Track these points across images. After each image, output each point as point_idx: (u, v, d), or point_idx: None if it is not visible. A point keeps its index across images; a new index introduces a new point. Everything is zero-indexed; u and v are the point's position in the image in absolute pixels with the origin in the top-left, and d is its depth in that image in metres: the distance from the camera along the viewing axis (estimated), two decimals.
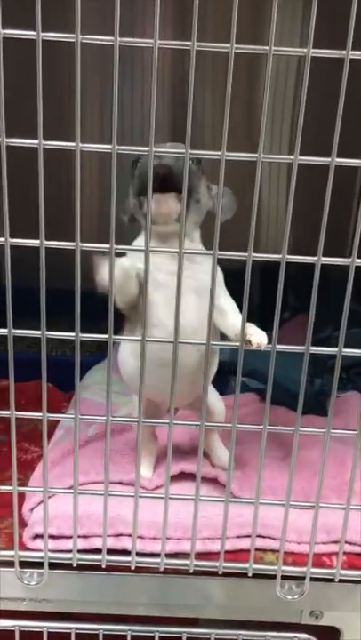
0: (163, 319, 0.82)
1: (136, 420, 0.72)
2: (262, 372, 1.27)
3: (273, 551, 0.84)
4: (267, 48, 0.58)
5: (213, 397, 0.97)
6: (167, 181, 0.78)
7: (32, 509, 0.88)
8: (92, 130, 1.70)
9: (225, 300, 0.84)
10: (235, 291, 0.83)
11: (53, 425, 1.20)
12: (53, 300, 0.70)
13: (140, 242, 0.86)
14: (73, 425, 0.72)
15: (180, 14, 1.52)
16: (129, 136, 1.67)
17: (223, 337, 0.85)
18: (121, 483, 0.93)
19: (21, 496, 0.87)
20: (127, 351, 0.91)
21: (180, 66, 1.57)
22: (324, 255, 0.65)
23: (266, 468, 0.95)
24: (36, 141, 0.60)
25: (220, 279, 0.86)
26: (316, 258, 0.65)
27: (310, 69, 0.59)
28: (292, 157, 0.62)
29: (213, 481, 0.93)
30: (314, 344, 0.70)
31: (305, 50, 0.58)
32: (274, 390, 0.72)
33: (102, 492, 0.75)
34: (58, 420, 1.21)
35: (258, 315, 1.83)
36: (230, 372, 1.32)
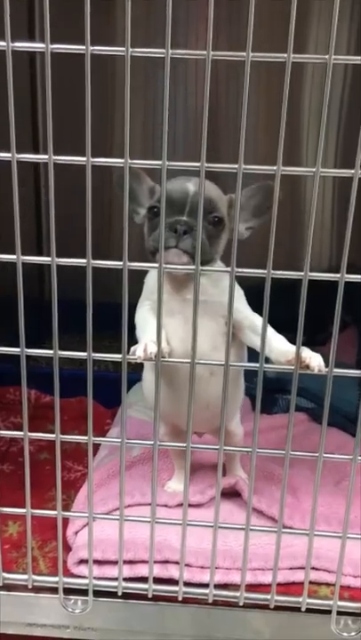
0: (172, 344, 0.80)
1: (184, 445, 0.69)
2: (312, 391, 1.22)
3: (328, 585, 0.79)
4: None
5: (234, 422, 0.94)
6: (177, 232, 0.76)
7: (76, 532, 0.86)
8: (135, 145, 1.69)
9: (257, 321, 0.80)
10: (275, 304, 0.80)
11: (97, 443, 1.19)
12: (93, 312, 0.67)
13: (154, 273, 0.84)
14: (117, 445, 0.70)
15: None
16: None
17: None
18: (167, 506, 0.91)
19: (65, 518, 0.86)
20: (148, 376, 0.90)
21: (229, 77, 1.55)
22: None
23: (319, 493, 0.92)
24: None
25: (242, 298, 0.83)
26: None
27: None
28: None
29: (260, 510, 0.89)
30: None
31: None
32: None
33: (149, 519, 0.73)
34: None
35: (305, 328, 1.78)
36: (278, 390, 1.29)
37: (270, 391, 1.30)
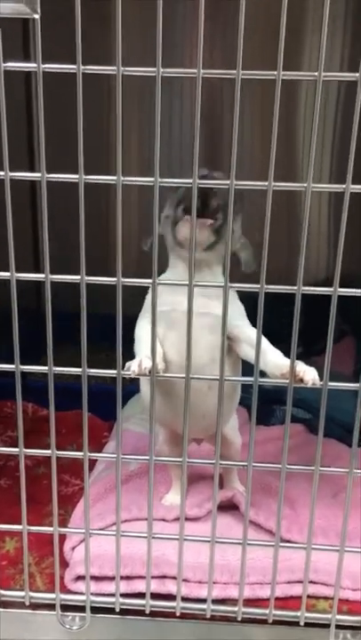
0: (170, 356, 0.81)
1: (180, 460, 0.69)
2: (309, 402, 1.22)
3: (326, 598, 0.79)
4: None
5: (232, 430, 0.95)
6: (207, 206, 0.76)
7: (73, 548, 0.85)
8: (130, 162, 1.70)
9: (254, 335, 0.80)
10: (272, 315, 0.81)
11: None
12: (90, 323, 0.68)
13: (168, 276, 0.85)
14: (114, 459, 0.70)
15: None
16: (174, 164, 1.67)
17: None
18: (164, 520, 0.90)
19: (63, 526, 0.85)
20: (145, 388, 0.90)
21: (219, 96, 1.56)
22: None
23: (316, 505, 0.91)
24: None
25: (241, 312, 0.83)
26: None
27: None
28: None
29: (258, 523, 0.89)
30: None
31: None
32: (324, 422, 0.69)
33: (145, 535, 0.72)
34: (98, 452, 1.19)
35: (302, 338, 1.77)
36: (275, 401, 1.29)
37: (267, 402, 1.29)
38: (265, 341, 0.80)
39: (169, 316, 0.79)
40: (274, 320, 0.71)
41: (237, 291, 0.74)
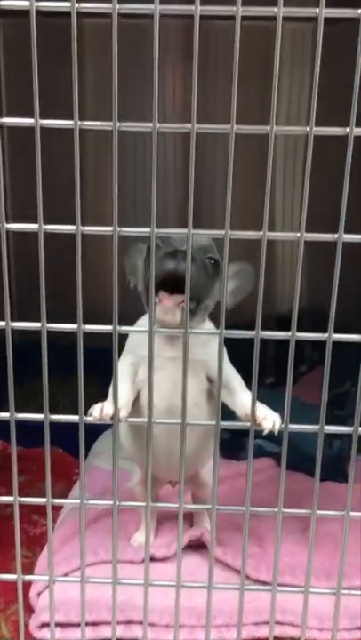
0: (154, 400, 0.80)
1: (144, 504, 0.69)
2: (279, 435, 1.23)
3: (292, 639, 0.79)
4: (268, 128, 0.56)
5: (207, 472, 0.95)
6: (177, 287, 0.76)
7: (39, 594, 0.84)
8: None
9: (231, 376, 0.82)
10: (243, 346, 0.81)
11: (63, 494, 1.17)
12: (68, 356, 0.69)
13: (143, 322, 0.85)
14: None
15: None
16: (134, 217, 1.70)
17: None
18: (132, 562, 0.90)
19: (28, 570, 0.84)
20: (122, 427, 0.89)
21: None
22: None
23: (284, 543, 0.91)
24: (36, 226, 0.60)
25: (224, 355, 0.84)
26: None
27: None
28: (297, 234, 0.60)
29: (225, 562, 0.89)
30: (331, 400, 0.68)
31: (307, 128, 0.57)
32: (291, 455, 0.70)
33: (110, 581, 0.72)
34: (68, 489, 1.18)
35: (273, 368, 1.79)
36: (245, 434, 1.29)
37: (238, 436, 1.30)
38: (237, 382, 0.82)
39: (154, 359, 0.79)
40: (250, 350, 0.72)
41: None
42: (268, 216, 0.60)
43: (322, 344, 0.67)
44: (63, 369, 0.91)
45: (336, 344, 0.64)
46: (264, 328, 0.67)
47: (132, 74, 1.24)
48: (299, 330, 0.64)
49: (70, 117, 0.57)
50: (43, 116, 0.57)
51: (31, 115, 0.57)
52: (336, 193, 0.58)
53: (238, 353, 0.86)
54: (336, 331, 0.64)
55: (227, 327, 0.64)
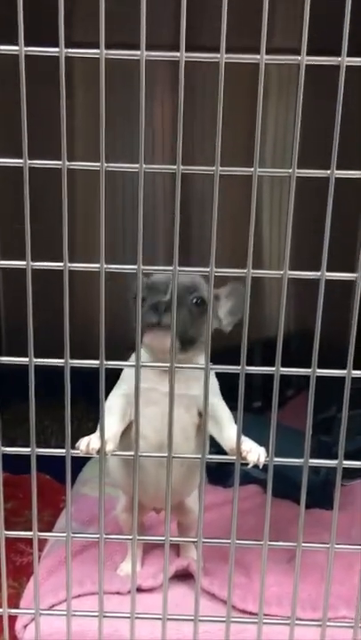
0: (145, 432, 0.82)
1: (130, 537, 0.69)
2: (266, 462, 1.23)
3: None
4: (252, 170, 0.58)
5: (193, 499, 0.95)
6: (164, 316, 0.78)
7: (25, 626, 0.83)
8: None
9: (221, 411, 0.83)
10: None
11: (50, 522, 1.17)
12: (56, 380, 0.68)
13: (142, 355, 0.86)
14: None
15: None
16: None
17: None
18: (119, 593, 0.89)
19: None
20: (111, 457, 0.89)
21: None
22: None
23: (271, 572, 0.91)
24: (24, 263, 0.61)
25: (215, 389, 0.85)
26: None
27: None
28: (281, 272, 0.61)
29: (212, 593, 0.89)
30: (317, 425, 0.69)
31: (289, 170, 0.58)
32: (278, 482, 0.71)
33: (96, 614, 0.72)
34: (55, 516, 1.18)
35: (261, 392, 1.79)
36: (232, 463, 1.30)
37: (224, 463, 1.30)
38: (226, 416, 0.83)
39: (147, 393, 0.80)
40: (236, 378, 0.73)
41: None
42: (256, 246, 0.61)
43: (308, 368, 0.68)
44: (51, 393, 0.91)
45: (323, 365, 0.65)
46: (252, 352, 0.68)
47: (121, 109, 1.27)
48: (286, 353, 0.65)
49: (58, 154, 0.58)
50: (30, 153, 0.58)
51: (18, 151, 0.58)
52: (321, 230, 0.60)
53: (226, 380, 0.87)
54: (325, 353, 0.65)
55: (215, 351, 0.65)
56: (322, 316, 0.62)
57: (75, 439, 0.99)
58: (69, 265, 0.61)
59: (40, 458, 0.67)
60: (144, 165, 0.58)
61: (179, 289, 0.77)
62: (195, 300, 0.82)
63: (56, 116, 0.57)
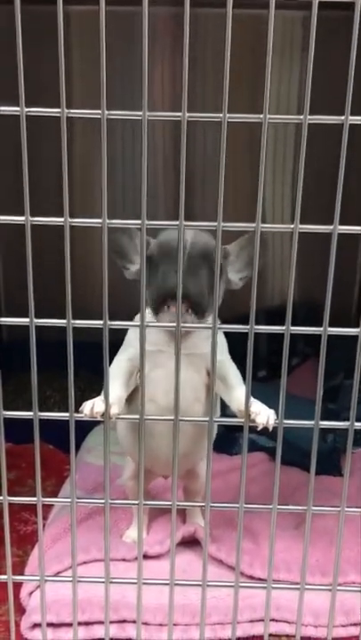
0: (154, 396, 0.80)
1: (136, 502, 0.68)
2: (273, 429, 1.22)
3: (288, 636, 0.78)
4: (261, 116, 0.55)
5: (202, 466, 0.93)
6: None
7: (30, 593, 0.83)
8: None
9: (230, 371, 0.81)
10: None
11: (54, 491, 1.16)
12: (57, 351, 0.67)
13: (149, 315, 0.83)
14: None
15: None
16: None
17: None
18: (125, 560, 0.88)
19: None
20: (121, 421, 0.88)
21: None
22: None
23: (279, 538, 0.90)
24: (22, 218, 0.58)
25: (224, 348, 0.82)
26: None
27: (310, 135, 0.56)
28: (291, 226, 0.59)
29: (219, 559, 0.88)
30: (324, 393, 0.66)
31: (301, 117, 0.55)
32: (284, 449, 0.69)
33: (102, 579, 0.70)
34: (58, 485, 1.17)
35: (265, 362, 1.77)
36: (238, 428, 1.28)
37: (230, 430, 1.29)
38: (236, 378, 0.81)
39: (154, 355, 0.78)
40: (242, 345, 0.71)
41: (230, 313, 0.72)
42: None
43: (314, 336, 0.66)
44: (53, 364, 0.90)
45: (329, 336, 0.63)
46: (257, 322, 0.65)
47: (120, 63, 1.22)
48: (293, 323, 0.63)
49: (57, 106, 0.55)
50: (29, 104, 0.55)
51: (16, 102, 0.55)
52: (325, 185, 0.57)
53: (232, 347, 0.85)
54: (330, 322, 0.63)
55: (222, 321, 0.63)
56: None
57: (78, 409, 0.98)
58: (70, 220, 0.58)
59: (43, 427, 0.65)
60: (147, 112, 0.55)
61: (194, 255, 0.74)
62: (212, 267, 0.79)
63: (54, 63, 0.54)
